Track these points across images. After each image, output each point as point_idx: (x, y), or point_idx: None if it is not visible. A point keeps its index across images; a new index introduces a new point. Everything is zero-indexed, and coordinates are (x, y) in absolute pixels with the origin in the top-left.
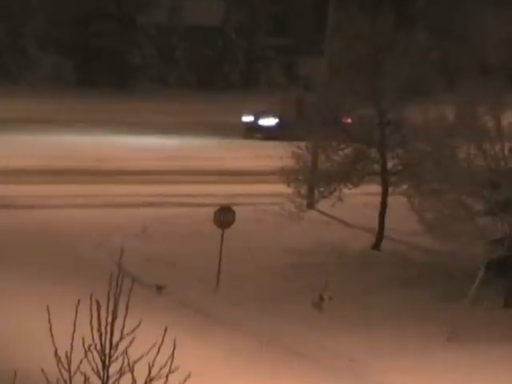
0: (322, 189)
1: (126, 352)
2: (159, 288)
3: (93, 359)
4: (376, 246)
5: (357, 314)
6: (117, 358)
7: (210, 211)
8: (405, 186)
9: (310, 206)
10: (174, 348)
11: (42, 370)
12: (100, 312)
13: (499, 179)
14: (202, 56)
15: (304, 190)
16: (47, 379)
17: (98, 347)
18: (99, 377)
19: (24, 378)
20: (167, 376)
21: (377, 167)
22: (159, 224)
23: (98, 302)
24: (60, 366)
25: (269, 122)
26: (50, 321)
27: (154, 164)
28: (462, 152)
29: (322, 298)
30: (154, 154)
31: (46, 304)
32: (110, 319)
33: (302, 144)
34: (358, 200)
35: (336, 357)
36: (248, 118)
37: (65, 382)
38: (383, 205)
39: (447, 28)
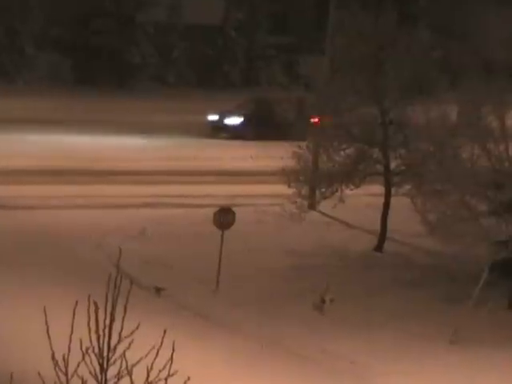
0: (323, 189)
1: (124, 355)
2: (158, 290)
3: (90, 362)
4: (378, 247)
5: (358, 315)
6: (115, 361)
7: (209, 212)
8: (407, 187)
9: (311, 206)
10: (173, 351)
11: (39, 373)
12: (98, 314)
13: (503, 180)
14: (201, 55)
15: (305, 191)
16: (44, 382)
17: (96, 350)
18: (97, 380)
19: (20, 380)
20: (166, 379)
21: (379, 167)
22: (158, 225)
23: (95, 304)
24: (57, 369)
25: (234, 121)
26: (47, 323)
27: (153, 164)
28: (465, 152)
29: (323, 300)
30: (151, 154)
31: (45, 306)
32: (108, 321)
33: (303, 144)
34: (360, 201)
35: (337, 359)
36: (213, 117)
37: None
38: (386, 206)
39: (450, 26)
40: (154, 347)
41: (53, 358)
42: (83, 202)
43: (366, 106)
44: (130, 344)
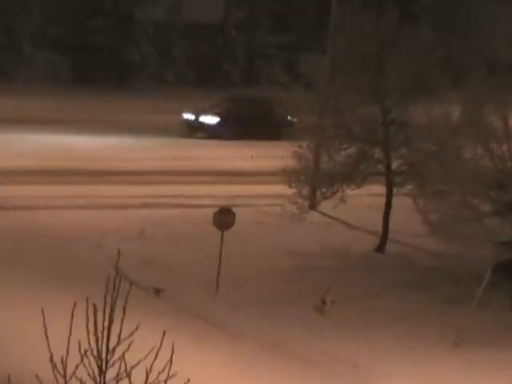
0: (324, 189)
1: (123, 357)
2: (157, 291)
3: (89, 364)
4: (380, 248)
5: (360, 317)
6: (114, 363)
7: (209, 212)
8: (409, 187)
9: (312, 207)
10: (173, 352)
11: (37, 376)
12: (97, 316)
13: (506, 180)
14: (201, 54)
15: (306, 191)
16: None
17: (95, 352)
18: (95, 382)
19: (18, 382)
20: (165, 382)
21: (380, 167)
22: (157, 226)
23: (94, 306)
24: (55, 371)
25: (210, 120)
26: (45, 324)
27: (152, 164)
28: (467, 152)
29: (324, 302)
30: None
31: (43, 307)
32: (106, 323)
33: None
34: (362, 201)
35: (339, 361)
36: (189, 116)
37: None
38: (387, 206)
39: (452, 25)
40: (153, 349)
41: (51, 360)
42: (82, 203)
43: (367, 106)
44: (128, 346)
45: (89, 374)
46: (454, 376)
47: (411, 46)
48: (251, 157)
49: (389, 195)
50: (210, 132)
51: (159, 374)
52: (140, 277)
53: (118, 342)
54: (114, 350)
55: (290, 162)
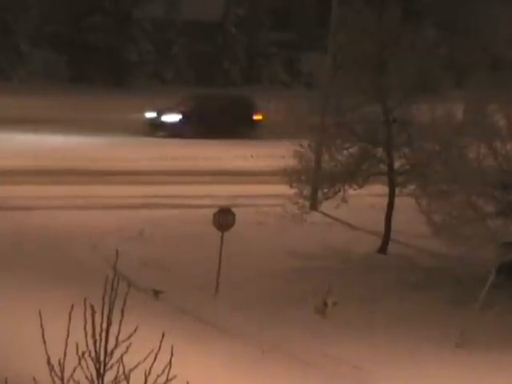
0: (325, 189)
1: (121, 359)
2: (156, 293)
3: (87, 367)
4: (382, 249)
5: (361, 319)
6: (112, 366)
7: (209, 213)
8: (412, 187)
9: (313, 207)
10: (172, 355)
11: (34, 379)
12: (95, 317)
13: (511, 179)
14: (200, 52)
15: (307, 191)
16: None
17: (93, 354)
18: None
19: None
20: None
21: (383, 167)
22: (156, 226)
23: (92, 307)
24: (53, 373)
25: (172, 118)
26: (42, 326)
27: (151, 164)
28: (471, 151)
29: (325, 303)
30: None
31: (40, 309)
32: (105, 325)
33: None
34: (363, 201)
35: (340, 364)
36: (151, 115)
37: None
38: (390, 206)
39: (455, 23)
40: (152, 351)
41: (48, 362)
42: (81, 203)
43: (369, 105)
44: (127, 348)
45: (87, 377)
46: (456, 378)
47: (414, 44)
48: (251, 156)
49: (391, 195)
50: (171, 130)
51: (158, 376)
52: (139, 278)
53: (117, 345)
54: (112, 352)
55: (291, 162)
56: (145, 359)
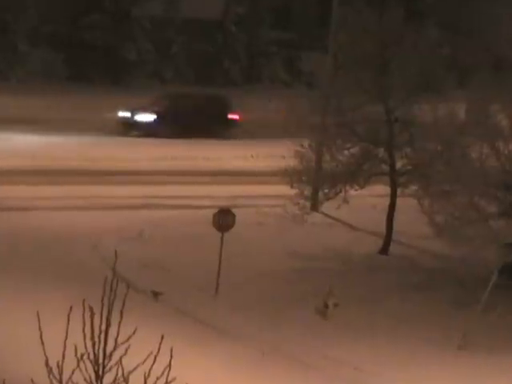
0: (326, 190)
1: (120, 362)
2: (156, 294)
3: (85, 369)
4: (383, 249)
5: (363, 320)
6: (111, 368)
7: (209, 213)
8: (414, 187)
9: (314, 208)
10: (171, 357)
11: (32, 381)
12: (93, 319)
13: None
14: (200, 51)
15: (308, 191)
16: None
17: (92, 356)
18: None
19: None
20: None
21: (384, 167)
22: (156, 227)
23: (91, 309)
24: (51, 376)
25: (146, 117)
26: (40, 328)
27: (151, 164)
28: (473, 152)
29: (326, 305)
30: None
31: (38, 311)
32: (104, 327)
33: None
34: (365, 202)
35: (341, 365)
36: (125, 114)
37: None
38: (391, 207)
39: (457, 23)
40: (151, 353)
41: (46, 364)
42: (79, 203)
43: (370, 105)
44: (126, 350)
45: (85, 379)
46: (458, 380)
47: (417, 44)
48: (252, 156)
49: (393, 196)
50: (145, 130)
51: (157, 379)
52: (139, 279)
53: (116, 347)
54: (111, 354)
55: (292, 162)
56: (144, 361)
